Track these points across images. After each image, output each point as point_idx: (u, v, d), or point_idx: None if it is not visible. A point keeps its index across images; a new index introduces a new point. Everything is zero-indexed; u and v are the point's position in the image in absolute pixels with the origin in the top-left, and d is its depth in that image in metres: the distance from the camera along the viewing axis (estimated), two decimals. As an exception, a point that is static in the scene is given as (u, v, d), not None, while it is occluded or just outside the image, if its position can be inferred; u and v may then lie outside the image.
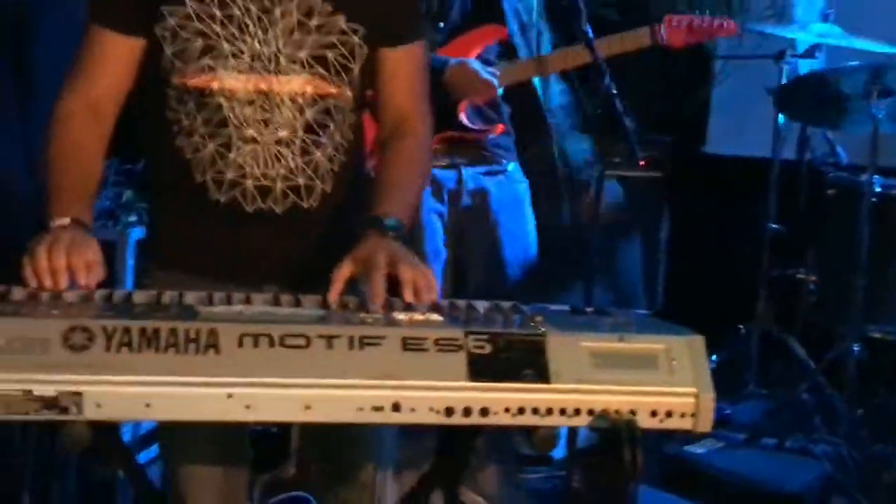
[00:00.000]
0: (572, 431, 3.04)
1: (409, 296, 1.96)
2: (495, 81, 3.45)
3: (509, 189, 3.63)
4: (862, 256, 3.98)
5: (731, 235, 4.73)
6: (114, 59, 2.26)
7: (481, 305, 1.94)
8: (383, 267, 1.99)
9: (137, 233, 3.67)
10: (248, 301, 1.88)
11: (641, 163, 3.82)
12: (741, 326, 4.42)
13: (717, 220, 4.93)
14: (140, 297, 1.88)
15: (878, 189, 4.07)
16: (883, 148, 3.99)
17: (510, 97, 3.59)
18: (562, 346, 1.71)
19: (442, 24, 3.43)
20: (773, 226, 4.33)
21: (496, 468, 3.35)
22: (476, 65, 3.45)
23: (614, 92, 3.16)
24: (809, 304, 4.31)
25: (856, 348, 4.02)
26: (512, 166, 3.63)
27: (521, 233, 3.64)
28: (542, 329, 1.74)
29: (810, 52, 4.17)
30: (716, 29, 3.53)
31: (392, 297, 1.96)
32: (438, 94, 3.25)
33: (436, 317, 1.83)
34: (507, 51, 3.59)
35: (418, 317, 1.83)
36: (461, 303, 1.95)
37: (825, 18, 4.15)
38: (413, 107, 2.39)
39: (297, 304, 1.92)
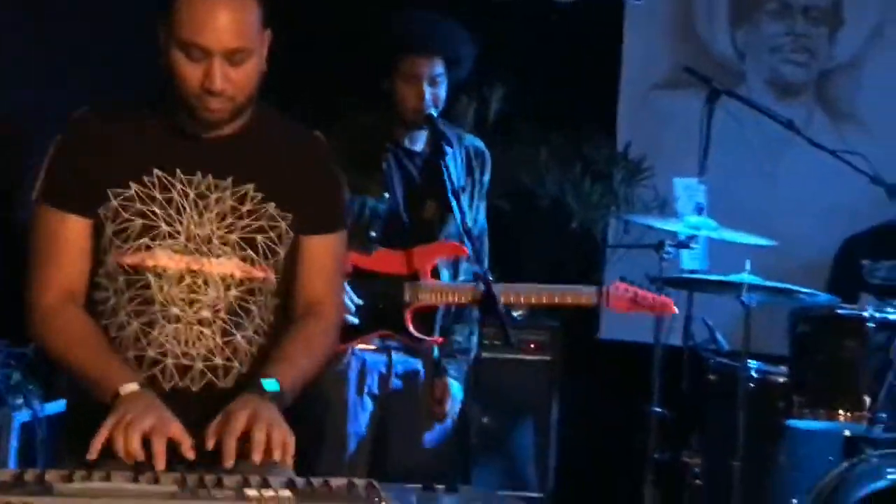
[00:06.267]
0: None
1: (256, 457, 2.11)
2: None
3: None
4: (740, 441, 4.11)
5: (619, 419, 4.84)
6: (75, 241, 2.39)
7: (337, 482, 2.06)
8: (238, 429, 2.15)
9: (24, 416, 3.77)
10: (107, 478, 1.98)
11: (532, 345, 3.95)
12: (629, 510, 4.50)
13: (606, 404, 5.09)
14: (4, 474, 1.97)
15: (754, 375, 4.26)
16: (757, 335, 4.18)
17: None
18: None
19: (373, 234, 3.61)
20: (657, 409, 4.41)
21: None
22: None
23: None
24: (694, 487, 4.42)
25: (738, 531, 4.10)
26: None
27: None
28: (386, 505, 1.90)
29: (686, 243, 4.32)
30: (658, 306, 3.75)
31: (246, 473, 2.08)
32: (390, 294, 3.58)
33: (287, 493, 1.95)
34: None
35: (269, 493, 1.94)
36: (317, 480, 2.06)
37: (700, 212, 4.32)
38: (326, 293, 2.53)
39: (156, 480, 2.01)
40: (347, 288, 3.47)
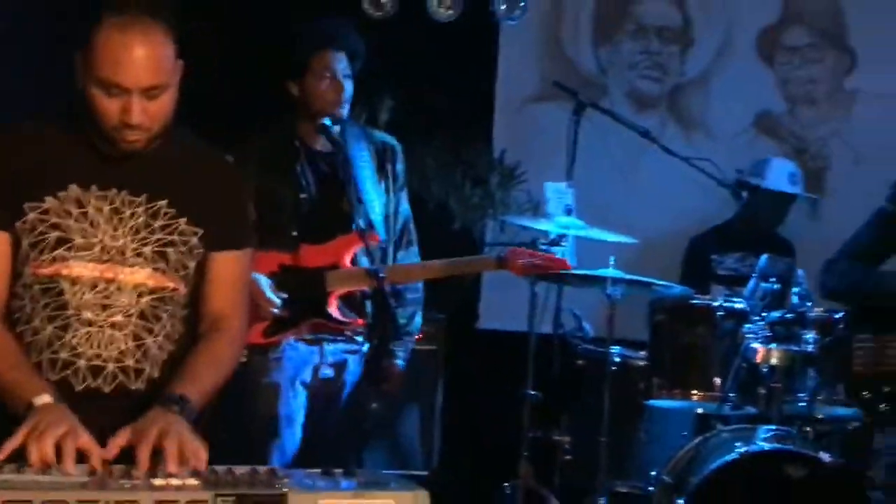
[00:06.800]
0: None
1: (171, 467, 2.14)
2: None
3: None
4: (605, 419, 4.49)
5: (497, 402, 5.06)
6: None
7: (241, 470, 2.16)
8: (151, 440, 2.19)
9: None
10: (17, 470, 2.06)
11: (417, 336, 4.22)
12: (506, 484, 4.74)
13: (485, 388, 5.38)
14: None
15: (617, 359, 4.64)
16: (620, 323, 4.59)
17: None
18: (300, 503, 2.01)
19: (294, 234, 3.79)
20: (531, 392, 4.66)
21: None
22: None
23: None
24: (565, 463, 4.75)
25: (602, 502, 4.47)
26: (366, 347, 3.94)
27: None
28: (285, 490, 2.01)
29: (556, 241, 4.45)
30: (556, 264, 3.97)
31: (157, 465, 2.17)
32: (313, 284, 3.73)
33: (193, 481, 2.03)
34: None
35: (175, 481, 2.02)
36: (221, 468, 2.17)
37: (568, 213, 4.63)
38: (231, 309, 2.58)
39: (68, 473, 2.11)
40: (271, 284, 3.71)
